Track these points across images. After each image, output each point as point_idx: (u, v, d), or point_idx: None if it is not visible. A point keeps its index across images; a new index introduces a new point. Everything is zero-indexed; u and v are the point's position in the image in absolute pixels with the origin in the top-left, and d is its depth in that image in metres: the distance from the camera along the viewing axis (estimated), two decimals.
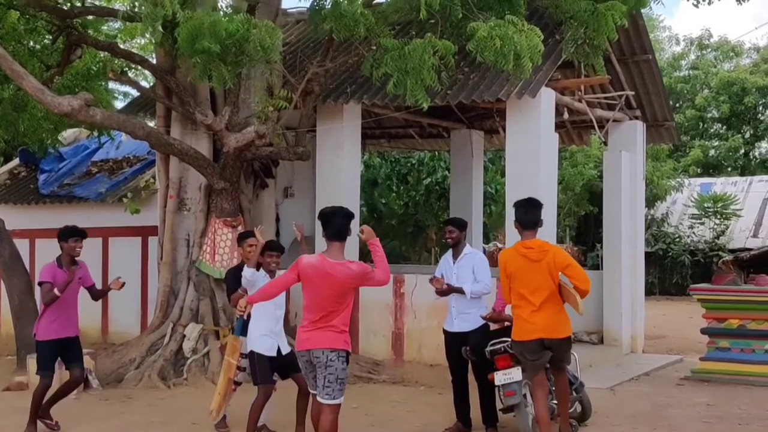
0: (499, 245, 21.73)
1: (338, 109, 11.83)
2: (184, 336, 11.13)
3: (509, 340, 7.60)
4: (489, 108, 13.15)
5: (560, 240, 24.63)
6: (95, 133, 14.40)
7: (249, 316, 7.40)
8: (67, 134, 16.35)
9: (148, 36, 7.97)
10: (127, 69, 13.79)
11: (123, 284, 8.45)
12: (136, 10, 8.82)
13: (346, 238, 6.23)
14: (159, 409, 9.47)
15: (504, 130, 11.86)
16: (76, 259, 8.32)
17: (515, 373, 7.51)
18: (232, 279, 8.08)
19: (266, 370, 7.58)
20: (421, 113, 13.50)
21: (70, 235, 8.23)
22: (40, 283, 8.13)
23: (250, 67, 10.52)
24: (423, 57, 8.90)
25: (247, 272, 7.56)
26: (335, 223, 6.18)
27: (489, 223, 23.74)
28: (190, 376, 10.84)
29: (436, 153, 21.67)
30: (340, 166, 12.03)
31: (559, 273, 6.80)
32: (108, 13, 12.02)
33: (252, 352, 7.62)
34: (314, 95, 11.17)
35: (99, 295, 8.81)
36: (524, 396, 7.59)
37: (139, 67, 13.62)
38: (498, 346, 7.67)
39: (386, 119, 15.38)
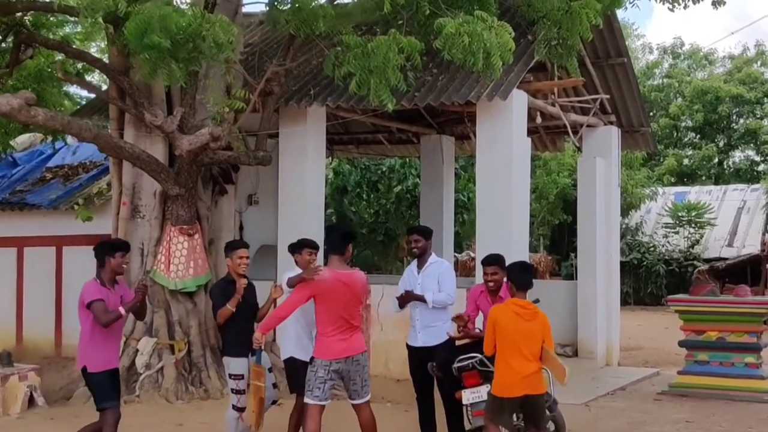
0: (472, 254, 21.33)
1: (301, 111, 11.39)
2: (137, 350, 10.57)
3: (478, 355, 7.21)
4: (459, 112, 12.75)
5: (534, 249, 24.34)
6: (49, 138, 13.80)
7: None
8: (22, 139, 15.72)
9: (86, 25, 7.34)
10: (82, 71, 13.26)
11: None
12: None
13: (345, 254, 6.77)
14: None
15: (475, 135, 11.45)
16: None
17: (484, 392, 7.12)
18: (219, 294, 7.46)
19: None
20: (389, 117, 13.10)
21: (117, 249, 7.17)
22: (89, 304, 6.84)
23: (208, 67, 10.04)
24: (387, 55, 8.51)
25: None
26: (332, 238, 6.91)
27: (462, 232, 23.38)
28: (142, 393, 10.30)
29: (407, 160, 21.31)
30: (304, 171, 11.58)
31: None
32: (51, 8, 11.43)
33: (292, 359, 7.30)
34: (275, 96, 10.73)
35: (142, 315, 7.72)
36: None
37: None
38: (466, 363, 7.28)
39: (354, 124, 14.95)
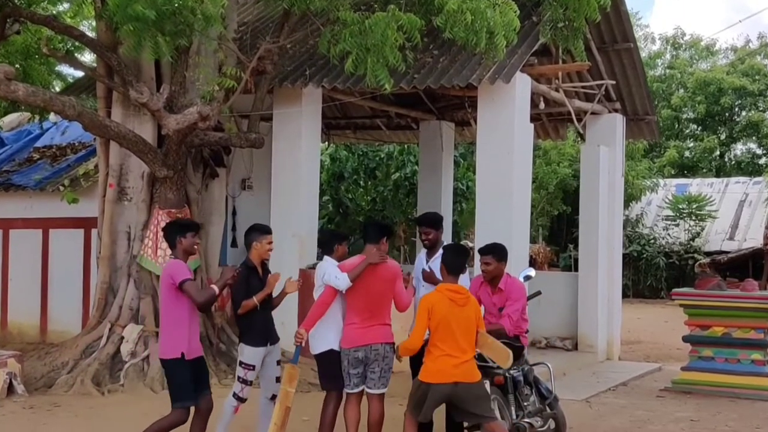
0: (470, 244, 20.94)
1: (296, 92, 11.01)
2: (122, 338, 10.22)
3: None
4: (460, 96, 12.36)
5: (533, 240, 23.96)
6: (37, 117, 13.40)
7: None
8: (10, 119, 15.32)
9: None
10: (72, 49, 12.86)
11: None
12: None
13: (380, 242, 6.99)
14: (85, 421, 8.53)
15: (476, 121, 11.07)
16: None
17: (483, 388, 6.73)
18: (242, 283, 6.96)
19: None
20: (387, 101, 12.74)
21: (188, 228, 6.79)
22: (181, 283, 6.38)
23: (199, 43, 9.64)
24: (386, 32, 8.13)
25: (343, 283, 6.75)
26: (369, 228, 7.34)
27: (460, 221, 22.99)
28: (126, 382, 9.92)
29: (406, 146, 20.88)
30: (298, 155, 11.22)
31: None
32: None
33: (332, 351, 6.91)
34: (268, 76, 10.34)
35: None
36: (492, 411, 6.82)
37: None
38: None
39: (352, 108, 14.58)
